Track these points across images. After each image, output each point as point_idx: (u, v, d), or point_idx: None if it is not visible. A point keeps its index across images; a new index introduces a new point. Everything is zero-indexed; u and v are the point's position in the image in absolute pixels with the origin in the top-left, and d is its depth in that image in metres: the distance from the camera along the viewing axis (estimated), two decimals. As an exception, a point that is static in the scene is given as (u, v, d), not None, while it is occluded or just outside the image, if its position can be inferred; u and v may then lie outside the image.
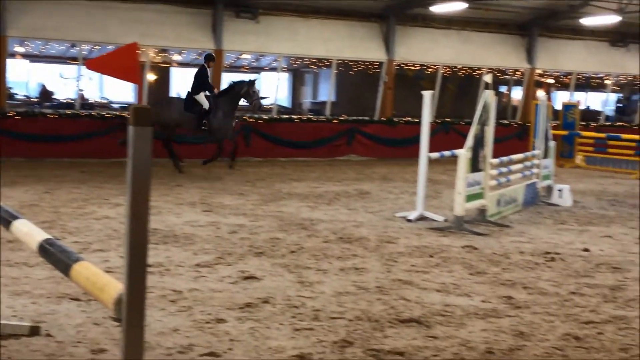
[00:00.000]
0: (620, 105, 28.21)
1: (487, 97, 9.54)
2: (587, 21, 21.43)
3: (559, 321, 5.40)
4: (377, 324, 5.20)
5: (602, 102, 26.48)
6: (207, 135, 14.85)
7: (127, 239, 2.63)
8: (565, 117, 19.76)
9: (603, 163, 18.79)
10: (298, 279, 6.41)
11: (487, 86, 9.79)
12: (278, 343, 4.73)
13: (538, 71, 23.02)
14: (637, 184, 15.48)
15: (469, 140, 9.16)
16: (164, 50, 20.37)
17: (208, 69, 14.84)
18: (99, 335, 4.71)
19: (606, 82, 25.00)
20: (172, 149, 14.82)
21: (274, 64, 21.99)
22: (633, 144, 18.04)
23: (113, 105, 23.31)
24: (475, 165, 9.25)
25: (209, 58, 14.95)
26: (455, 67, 21.90)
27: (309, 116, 21.16)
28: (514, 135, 20.98)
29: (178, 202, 10.75)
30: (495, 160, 10.16)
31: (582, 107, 21.98)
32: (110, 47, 16.33)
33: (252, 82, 14.78)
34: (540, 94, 12.89)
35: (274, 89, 20.62)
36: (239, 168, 15.30)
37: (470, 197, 9.12)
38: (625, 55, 24.18)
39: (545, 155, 12.26)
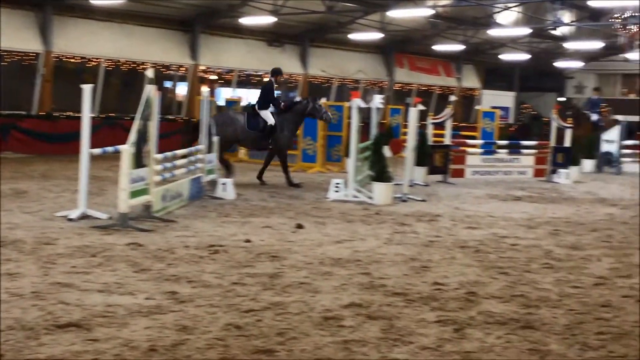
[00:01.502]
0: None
1: (150, 93, 9.45)
2: (246, 21, 22.40)
3: (222, 312, 5.51)
4: (32, 332, 4.84)
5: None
6: (271, 150, 14.38)
7: None
8: (229, 113, 20.39)
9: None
10: (-60, 291, 5.74)
11: (150, 81, 9.69)
12: None
13: (202, 67, 23.50)
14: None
15: (132, 136, 8.99)
16: None
17: (275, 84, 14.11)
18: None
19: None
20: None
21: None
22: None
23: None
24: (139, 161, 9.10)
25: (276, 73, 14.11)
26: (119, 61, 21.45)
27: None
28: (179, 130, 21.15)
29: None
30: (160, 156, 10.12)
31: (244, 103, 22.86)
32: None
33: (315, 99, 14.64)
34: (204, 90, 13.12)
35: None
36: None
37: (134, 194, 8.96)
38: (282, 54, 25.71)
39: (209, 150, 12.53)
